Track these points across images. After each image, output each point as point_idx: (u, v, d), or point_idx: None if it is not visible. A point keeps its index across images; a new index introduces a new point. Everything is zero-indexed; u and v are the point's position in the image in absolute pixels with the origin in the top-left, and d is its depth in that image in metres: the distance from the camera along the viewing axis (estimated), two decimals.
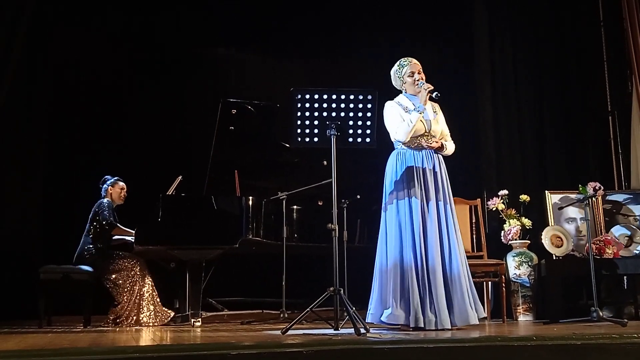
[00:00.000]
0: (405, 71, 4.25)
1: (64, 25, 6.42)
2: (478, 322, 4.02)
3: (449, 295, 3.98)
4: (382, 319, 3.99)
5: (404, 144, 4.19)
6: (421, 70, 4.25)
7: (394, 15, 6.92)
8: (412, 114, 4.12)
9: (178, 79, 6.73)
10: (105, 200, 5.24)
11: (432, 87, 4.11)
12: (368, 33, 6.95)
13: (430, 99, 4.16)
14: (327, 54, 6.94)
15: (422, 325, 3.87)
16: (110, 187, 5.31)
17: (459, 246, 4.13)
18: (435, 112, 4.29)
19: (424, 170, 4.12)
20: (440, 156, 4.24)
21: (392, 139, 4.26)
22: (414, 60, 4.27)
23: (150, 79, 6.73)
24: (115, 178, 5.36)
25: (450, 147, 4.28)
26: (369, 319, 4.03)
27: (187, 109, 6.67)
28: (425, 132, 4.18)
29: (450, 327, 3.89)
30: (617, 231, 5.41)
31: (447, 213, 4.13)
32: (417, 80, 4.18)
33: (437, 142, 4.17)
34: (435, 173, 4.15)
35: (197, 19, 6.85)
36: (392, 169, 4.20)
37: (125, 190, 5.37)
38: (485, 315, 4.22)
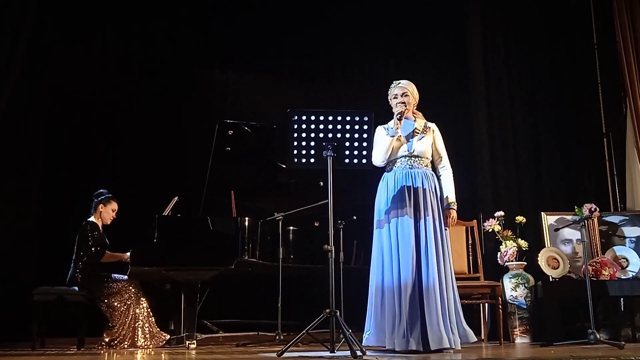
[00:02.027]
0: (390, 94, 4.31)
1: (62, 45, 6.46)
2: (454, 346, 3.91)
3: (423, 316, 3.90)
4: (363, 342, 3.97)
5: (387, 166, 4.23)
6: (408, 93, 4.24)
7: (391, 37, 6.98)
8: (385, 138, 4.18)
9: (175, 100, 6.76)
10: (90, 221, 5.12)
11: (400, 111, 4.15)
12: (365, 55, 7.01)
13: (400, 120, 4.16)
14: (324, 75, 6.98)
15: (393, 347, 3.84)
16: (102, 205, 5.20)
17: (442, 266, 4.04)
18: (423, 132, 4.25)
19: (406, 193, 4.10)
20: (431, 175, 4.21)
21: None
22: (402, 83, 4.28)
23: (147, 99, 6.75)
24: (110, 195, 5.24)
25: (448, 182, 4.24)
26: (364, 342, 4.01)
27: (183, 130, 6.68)
28: (408, 153, 4.20)
29: (421, 350, 3.82)
30: (620, 251, 5.41)
31: (434, 231, 4.07)
32: (398, 104, 4.23)
33: (451, 219, 4.16)
34: (424, 190, 4.12)
35: (194, 40, 6.90)
36: (379, 192, 4.25)
37: (115, 212, 5.30)
38: (476, 339, 4.16)
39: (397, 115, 4.15)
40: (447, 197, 4.20)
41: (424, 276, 3.97)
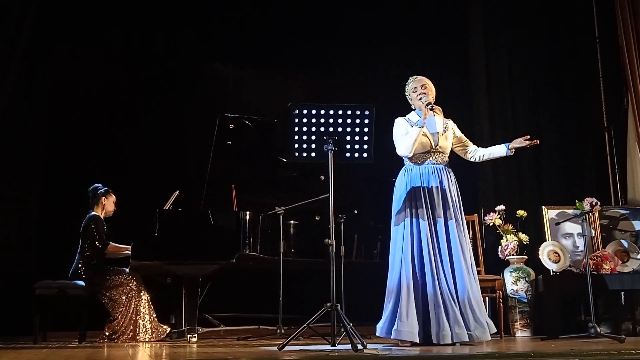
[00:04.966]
0: (410, 87, 4.32)
1: (63, 41, 6.45)
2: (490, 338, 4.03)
3: (462, 312, 3.97)
4: (391, 334, 4.00)
5: (410, 159, 4.23)
6: (427, 85, 4.28)
7: (393, 35, 6.96)
8: (412, 129, 4.16)
9: (176, 95, 6.74)
10: (94, 215, 5.16)
11: (429, 100, 4.15)
12: (366, 50, 6.99)
13: (431, 110, 4.16)
14: (325, 71, 6.97)
15: (435, 341, 3.87)
16: (104, 198, 5.24)
17: (471, 263, 4.13)
18: (445, 127, 4.32)
19: (430, 189, 4.15)
20: (450, 171, 4.28)
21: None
22: (420, 77, 4.33)
23: (148, 95, 6.73)
24: (106, 188, 5.28)
25: (487, 148, 4.46)
26: (378, 333, 4.07)
27: (184, 124, 6.67)
28: (432, 147, 4.23)
29: (467, 341, 3.89)
30: (620, 245, 5.41)
31: (458, 230, 4.14)
32: (419, 95, 4.23)
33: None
34: (443, 190, 4.18)
35: (195, 35, 6.88)
36: (399, 187, 4.25)
37: (115, 203, 5.33)
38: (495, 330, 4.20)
39: (426, 104, 4.12)
40: (501, 146, 4.40)
41: (457, 273, 4.04)
